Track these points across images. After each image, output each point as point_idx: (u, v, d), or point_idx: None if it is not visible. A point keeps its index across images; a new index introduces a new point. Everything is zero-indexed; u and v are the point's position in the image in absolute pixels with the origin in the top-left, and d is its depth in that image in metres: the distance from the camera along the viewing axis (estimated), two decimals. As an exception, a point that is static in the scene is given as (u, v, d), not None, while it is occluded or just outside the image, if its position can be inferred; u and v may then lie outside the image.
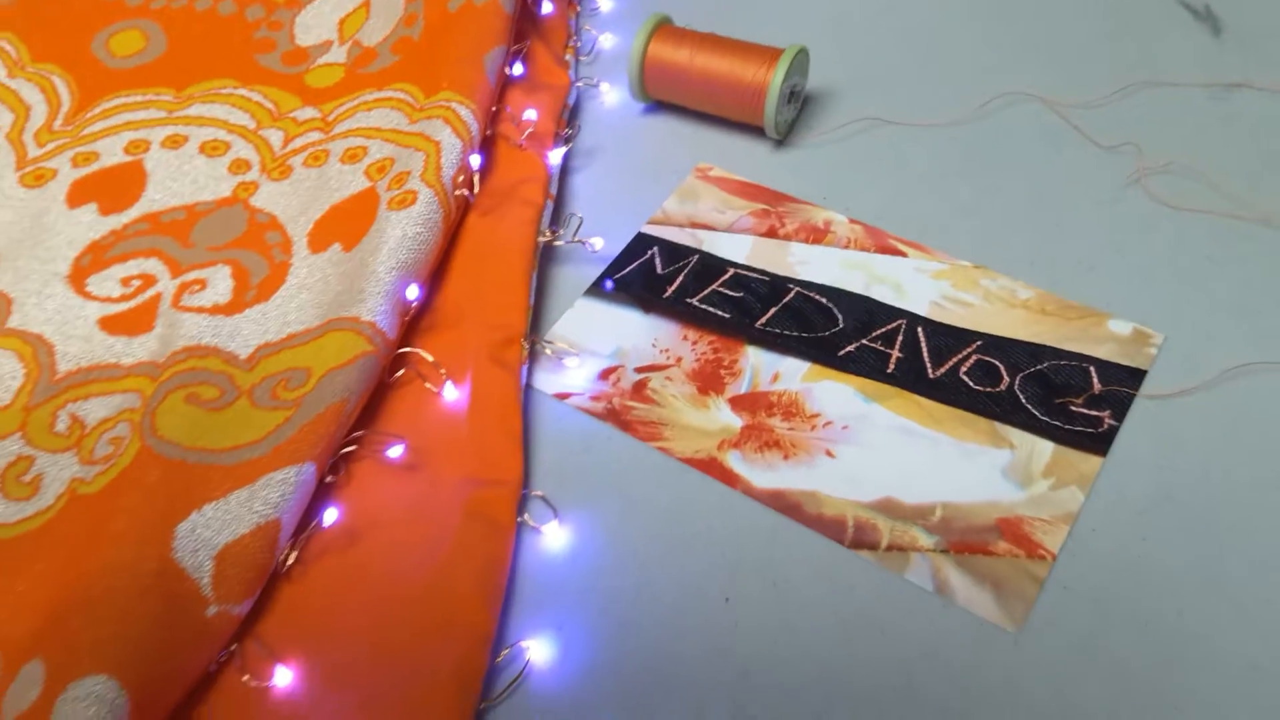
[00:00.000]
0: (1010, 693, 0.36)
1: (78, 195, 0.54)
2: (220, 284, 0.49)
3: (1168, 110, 0.55)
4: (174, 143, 0.56)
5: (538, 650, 0.38)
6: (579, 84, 0.59)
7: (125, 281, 0.50)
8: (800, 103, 0.57)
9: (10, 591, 0.40)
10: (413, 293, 0.47)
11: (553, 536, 0.41)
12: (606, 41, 0.63)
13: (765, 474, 0.42)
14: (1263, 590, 0.37)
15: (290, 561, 0.40)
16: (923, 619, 0.38)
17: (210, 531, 0.39)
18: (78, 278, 0.50)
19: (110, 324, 0.48)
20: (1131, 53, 0.59)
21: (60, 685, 0.34)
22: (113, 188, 0.54)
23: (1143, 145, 0.53)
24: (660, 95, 0.57)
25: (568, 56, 0.61)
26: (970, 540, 0.40)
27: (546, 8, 0.60)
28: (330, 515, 0.41)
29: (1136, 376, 0.44)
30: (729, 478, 0.43)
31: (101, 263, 0.51)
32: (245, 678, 0.37)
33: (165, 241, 0.52)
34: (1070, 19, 0.61)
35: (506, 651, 0.38)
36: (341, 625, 0.39)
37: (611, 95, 0.60)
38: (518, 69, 0.57)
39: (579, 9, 0.64)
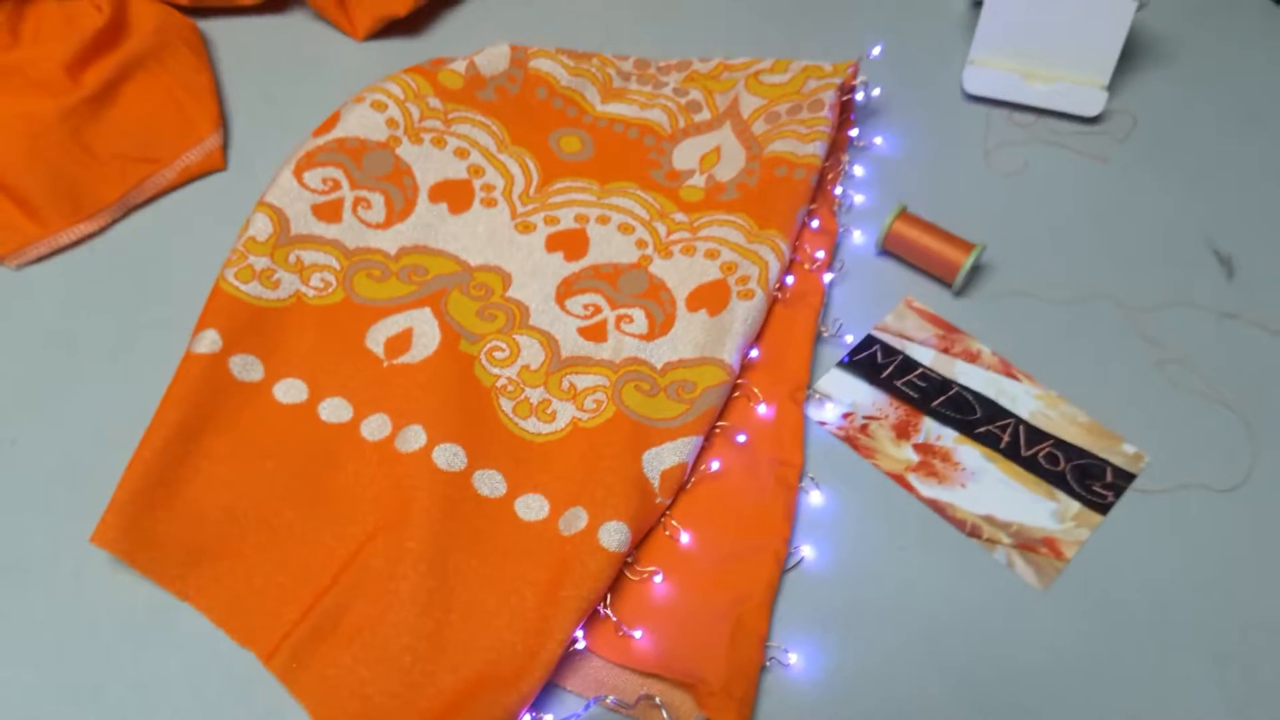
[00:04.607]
0: (1032, 616, 0.74)
1: (551, 245, 0.93)
2: (640, 321, 0.88)
3: (1187, 323, 0.92)
4: (603, 220, 0.95)
5: (808, 552, 0.77)
6: (841, 229, 0.97)
7: (585, 306, 0.89)
8: (971, 272, 0.94)
9: (545, 471, 0.79)
10: (754, 353, 0.86)
11: (815, 497, 0.80)
12: (859, 199, 1.00)
13: (928, 489, 0.81)
14: (1164, 591, 0.76)
15: (689, 483, 0.79)
16: (997, 577, 0.76)
17: (658, 461, 0.77)
18: (560, 299, 0.89)
19: (583, 333, 0.87)
20: (1176, 278, 0.96)
21: (599, 522, 0.73)
22: (570, 244, 0.93)
23: (1166, 341, 0.91)
24: (891, 249, 0.95)
25: (835, 209, 0.99)
26: (1028, 543, 0.78)
27: (839, 191, 0.98)
28: (714, 464, 0.80)
29: (1130, 477, 0.82)
30: (908, 486, 0.81)
31: (570, 292, 0.90)
32: (667, 533, 0.77)
33: (603, 284, 0.90)
34: (1144, 245, 0.98)
35: (791, 551, 0.77)
36: (712, 519, 0.78)
37: (858, 237, 0.97)
38: (815, 223, 0.95)
39: (843, 175, 1.02)
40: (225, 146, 1.00)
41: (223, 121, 1.01)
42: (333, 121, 0.95)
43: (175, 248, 0.92)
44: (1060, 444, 0.84)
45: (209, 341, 0.80)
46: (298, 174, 0.91)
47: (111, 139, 0.95)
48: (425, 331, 0.85)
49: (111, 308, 0.88)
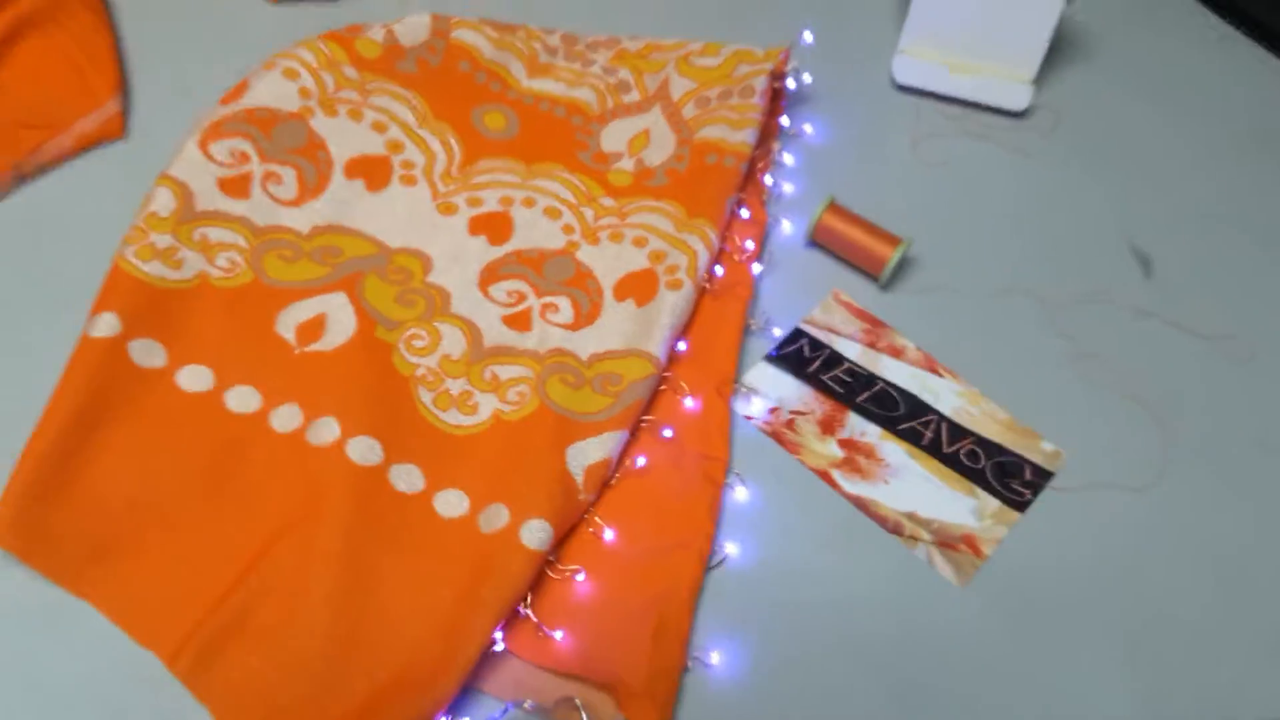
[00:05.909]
0: (951, 613, 0.75)
1: (474, 228, 0.90)
2: (565, 310, 0.85)
3: (1105, 318, 0.94)
4: (528, 204, 0.92)
5: (731, 548, 0.76)
6: (770, 219, 0.96)
7: (509, 294, 0.86)
8: (897, 267, 0.94)
9: (465, 466, 0.76)
10: (681, 345, 0.84)
11: (740, 493, 0.80)
12: (788, 189, 0.99)
13: (851, 485, 0.81)
14: (1078, 588, 0.77)
15: (614, 479, 0.78)
16: (918, 574, 0.77)
17: (582, 456, 0.76)
18: (483, 285, 0.86)
19: (507, 321, 0.84)
20: (1097, 275, 0.97)
21: (521, 519, 0.71)
22: (494, 227, 0.90)
23: (1084, 338, 0.92)
24: (820, 241, 0.94)
25: (765, 198, 0.97)
26: (948, 541, 0.79)
27: (769, 180, 0.97)
28: (640, 460, 0.78)
29: (1048, 475, 0.84)
30: (832, 483, 0.81)
31: (495, 277, 0.87)
32: (590, 530, 0.75)
33: (528, 270, 0.88)
34: (1065, 241, 1.00)
35: (715, 549, 0.76)
36: (636, 515, 0.76)
37: (787, 227, 0.96)
38: (744, 213, 0.94)
39: (773, 164, 1.01)
40: (125, 113, 0.94)
41: (123, 86, 0.95)
42: (241, 89, 0.90)
43: (71, 222, 0.87)
44: (981, 441, 0.85)
45: (107, 325, 0.75)
46: (203, 145, 0.86)
47: (2, 104, 0.88)
48: (339, 317, 0.81)
49: (2, 286, 0.82)
